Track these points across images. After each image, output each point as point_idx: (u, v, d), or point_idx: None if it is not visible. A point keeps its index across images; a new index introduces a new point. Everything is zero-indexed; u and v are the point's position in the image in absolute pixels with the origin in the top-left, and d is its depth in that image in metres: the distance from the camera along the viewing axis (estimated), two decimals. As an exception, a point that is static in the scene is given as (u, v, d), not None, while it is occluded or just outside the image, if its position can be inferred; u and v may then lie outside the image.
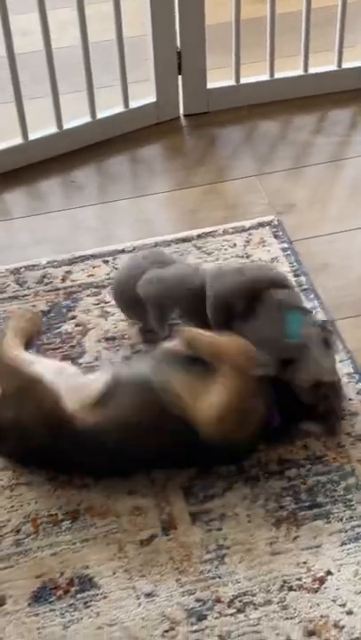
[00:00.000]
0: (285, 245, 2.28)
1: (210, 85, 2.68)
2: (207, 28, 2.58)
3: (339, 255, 2.26)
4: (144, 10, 2.52)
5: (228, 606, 1.58)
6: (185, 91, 2.67)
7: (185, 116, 2.71)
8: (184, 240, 2.30)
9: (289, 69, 2.72)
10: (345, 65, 2.72)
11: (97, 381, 1.76)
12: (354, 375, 1.96)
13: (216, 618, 1.57)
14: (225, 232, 2.33)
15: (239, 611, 1.58)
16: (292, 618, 1.56)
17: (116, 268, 2.21)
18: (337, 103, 2.72)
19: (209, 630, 1.55)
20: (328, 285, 2.17)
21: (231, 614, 1.57)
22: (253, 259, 2.24)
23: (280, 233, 2.31)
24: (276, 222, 2.34)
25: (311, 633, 1.55)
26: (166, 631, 1.56)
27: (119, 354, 2.02)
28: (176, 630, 1.56)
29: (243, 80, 2.69)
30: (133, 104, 2.63)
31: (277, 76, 2.70)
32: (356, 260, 2.25)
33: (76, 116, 2.59)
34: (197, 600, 1.59)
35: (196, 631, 1.55)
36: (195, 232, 2.32)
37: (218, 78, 2.70)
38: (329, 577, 1.62)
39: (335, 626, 1.55)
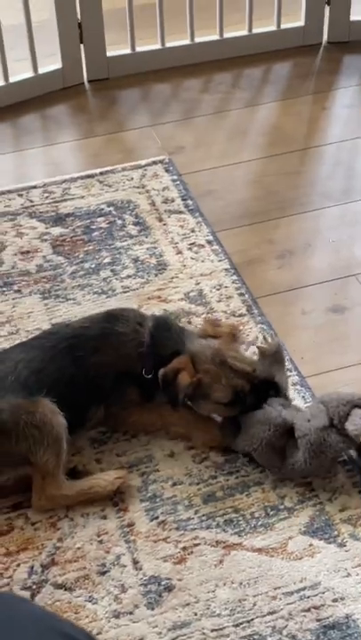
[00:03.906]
0: (175, 177, 2.66)
1: (109, 54, 3.07)
2: (109, 13, 2.98)
3: (220, 184, 2.65)
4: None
5: (123, 434, 1.94)
6: (87, 59, 3.06)
7: (89, 81, 3.10)
8: (89, 176, 2.68)
9: (178, 40, 3.13)
10: (226, 35, 3.15)
11: None
12: (230, 270, 2.35)
13: (114, 443, 1.93)
14: (124, 169, 2.70)
15: (133, 436, 1.93)
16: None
17: (30, 200, 2.56)
18: (221, 68, 3.14)
19: (108, 452, 1.91)
20: (211, 206, 2.57)
21: (126, 439, 1.93)
22: (148, 188, 2.62)
23: (171, 168, 2.70)
24: (167, 160, 2.73)
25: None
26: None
27: (32, 263, 2.38)
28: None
29: (138, 49, 3.09)
30: (42, 70, 3.00)
31: (168, 45, 3.11)
32: (234, 187, 2.64)
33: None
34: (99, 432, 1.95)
35: (97, 452, 1.90)
36: (98, 170, 2.70)
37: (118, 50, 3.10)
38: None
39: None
